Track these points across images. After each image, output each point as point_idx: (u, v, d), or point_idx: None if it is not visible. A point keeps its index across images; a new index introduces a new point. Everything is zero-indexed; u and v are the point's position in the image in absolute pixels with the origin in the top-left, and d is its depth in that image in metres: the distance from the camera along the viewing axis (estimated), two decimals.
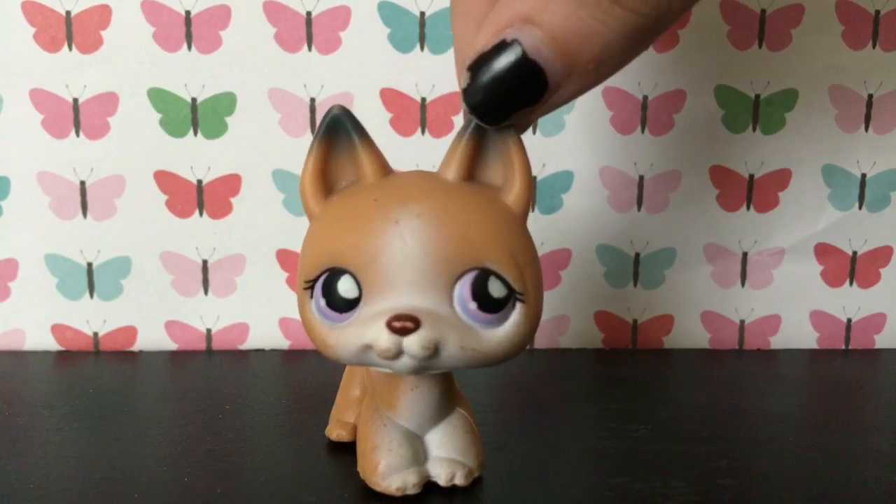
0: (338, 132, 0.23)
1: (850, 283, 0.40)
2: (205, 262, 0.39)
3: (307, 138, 0.37)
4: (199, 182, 0.38)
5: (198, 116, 0.37)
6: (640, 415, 0.31)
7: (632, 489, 0.25)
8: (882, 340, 0.41)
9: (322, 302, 0.22)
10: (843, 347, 0.41)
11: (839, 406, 0.33)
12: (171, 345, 0.39)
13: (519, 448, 0.28)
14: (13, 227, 0.38)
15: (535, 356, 0.39)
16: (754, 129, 0.39)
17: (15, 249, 0.38)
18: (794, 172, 0.39)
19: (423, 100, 0.38)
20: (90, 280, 0.38)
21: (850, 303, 0.41)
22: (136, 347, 0.39)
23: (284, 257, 0.39)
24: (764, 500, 0.25)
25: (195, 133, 0.37)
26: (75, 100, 0.37)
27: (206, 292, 0.39)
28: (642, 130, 0.38)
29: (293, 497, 0.24)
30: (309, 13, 0.37)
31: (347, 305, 0.22)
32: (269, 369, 0.37)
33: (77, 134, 0.37)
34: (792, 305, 0.40)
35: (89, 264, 0.38)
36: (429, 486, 0.24)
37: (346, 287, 0.22)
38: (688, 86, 0.38)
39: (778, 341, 0.41)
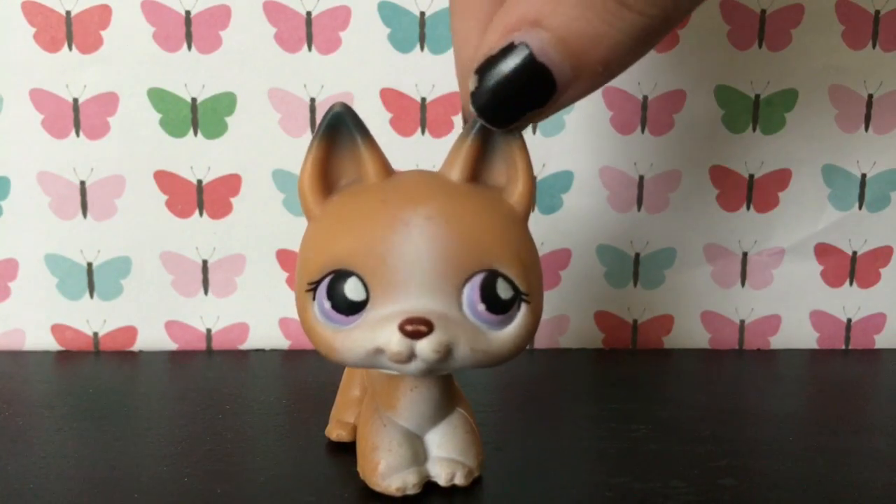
0: (339, 130, 0.22)
1: (850, 283, 0.40)
2: (205, 262, 0.39)
3: (307, 138, 0.37)
4: (199, 182, 0.38)
5: (198, 116, 0.37)
6: (640, 415, 0.31)
7: (632, 489, 0.25)
8: (882, 340, 0.41)
9: (327, 304, 0.21)
10: (843, 347, 0.41)
11: (839, 406, 0.33)
12: (171, 345, 0.39)
13: (519, 448, 0.28)
14: (13, 227, 0.38)
15: (535, 356, 0.39)
16: (754, 129, 0.39)
17: (15, 249, 0.38)
18: (794, 172, 0.39)
19: (423, 100, 0.38)
20: (90, 280, 0.38)
21: (849, 303, 0.41)
22: (136, 347, 0.39)
23: (284, 257, 0.39)
24: (764, 500, 0.25)
25: (195, 133, 0.37)
26: (75, 100, 0.37)
27: (206, 292, 0.39)
28: (642, 130, 0.38)
29: (293, 497, 0.24)
30: (309, 13, 0.37)
31: (353, 308, 0.21)
32: (269, 369, 0.37)
33: (77, 134, 0.37)
34: (792, 305, 0.40)
35: (89, 264, 0.38)
36: (429, 486, 0.24)
37: (352, 289, 0.21)
38: (688, 86, 0.38)
39: (778, 341, 0.41)
